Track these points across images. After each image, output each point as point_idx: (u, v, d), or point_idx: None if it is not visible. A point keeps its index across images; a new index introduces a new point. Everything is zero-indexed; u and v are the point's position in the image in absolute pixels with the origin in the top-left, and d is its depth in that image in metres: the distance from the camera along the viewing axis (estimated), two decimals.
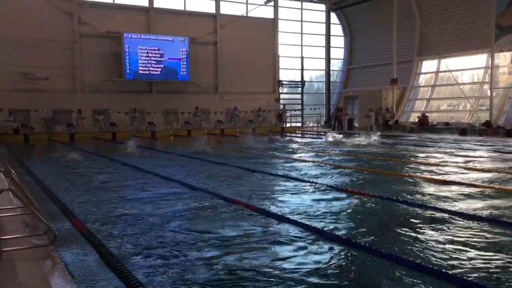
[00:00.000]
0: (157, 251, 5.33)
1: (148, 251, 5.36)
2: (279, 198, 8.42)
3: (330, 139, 21.82)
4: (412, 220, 6.64)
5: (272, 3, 32.52)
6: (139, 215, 7.09)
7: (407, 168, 12.08)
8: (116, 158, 14.77)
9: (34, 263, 4.62)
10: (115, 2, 27.72)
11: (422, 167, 12.15)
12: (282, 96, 34.25)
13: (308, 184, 9.64)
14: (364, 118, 29.86)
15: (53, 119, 25.40)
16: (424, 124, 26.78)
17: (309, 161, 13.80)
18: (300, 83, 34.74)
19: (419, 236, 5.83)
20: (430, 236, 5.84)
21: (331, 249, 5.34)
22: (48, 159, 15.27)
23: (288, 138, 24.45)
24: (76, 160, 14.50)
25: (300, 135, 27.66)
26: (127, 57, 27.16)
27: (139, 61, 27.58)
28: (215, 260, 4.98)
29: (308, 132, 29.83)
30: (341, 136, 22.88)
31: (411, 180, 10.11)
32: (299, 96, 35.16)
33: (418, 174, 10.86)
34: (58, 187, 9.57)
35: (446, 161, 13.29)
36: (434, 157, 14.54)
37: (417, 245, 5.49)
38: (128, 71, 27.29)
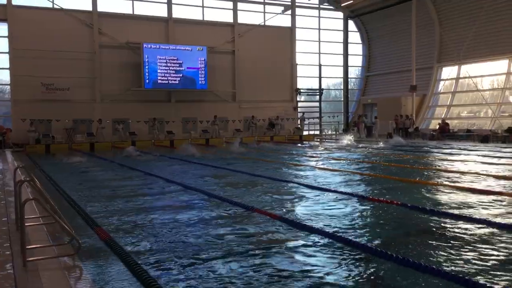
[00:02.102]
0: (181, 260, 5.31)
1: (171, 260, 5.34)
2: (298, 206, 8.38)
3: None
4: (438, 229, 6.53)
5: (289, 12, 32.60)
6: (164, 223, 7.11)
7: (429, 175, 11.90)
8: (143, 169, 14.87)
9: (58, 272, 4.66)
10: (135, 13, 28.11)
11: (444, 174, 11.95)
12: (300, 104, 34.17)
13: (329, 192, 9.56)
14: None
15: (73, 128, 25.74)
16: (445, 131, 26.42)
17: (326, 169, 13.70)
18: (318, 91, 34.63)
19: (446, 245, 5.72)
20: (459, 245, 5.72)
21: (356, 257, 5.27)
22: (69, 168, 15.48)
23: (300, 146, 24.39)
24: (95, 167, 14.64)
25: (307, 142, 27.52)
26: (146, 67, 27.43)
27: (158, 71, 27.83)
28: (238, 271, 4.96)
29: (327, 140, 29.65)
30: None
31: (434, 188, 9.95)
32: (317, 104, 35.04)
33: (439, 182, 10.68)
34: (81, 196, 9.66)
35: (472, 169, 13.03)
36: (457, 164, 14.30)
37: (444, 254, 5.38)
38: (147, 80, 27.56)
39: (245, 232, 6.54)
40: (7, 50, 24.92)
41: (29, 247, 5.11)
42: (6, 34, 24.86)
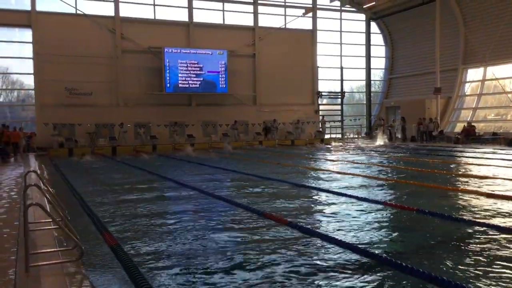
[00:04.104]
0: (185, 269, 5.22)
1: (176, 268, 5.25)
2: (314, 212, 8.21)
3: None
4: (457, 237, 6.27)
5: (310, 14, 32.38)
6: (171, 231, 7.04)
7: (453, 181, 11.56)
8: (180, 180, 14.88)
9: (60, 279, 4.60)
10: (156, 18, 28.35)
11: (467, 180, 11.60)
12: (321, 107, 33.88)
13: (345, 197, 9.36)
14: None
15: (96, 132, 26.05)
16: (470, 135, 25.74)
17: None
18: (339, 94, 34.26)
19: (461, 255, 5.47)
20: (475, 256, 5.46)
21: (371, 266, 5.09)
22: (89, 172, 15.65)
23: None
24: (118, 171, 14.70)
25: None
26: (167, 71, 27.62)
27: (179, 75, 27.98)
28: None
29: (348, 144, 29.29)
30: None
31: (456, 194, 9.64)
32: (339, 107, 34.66)
33: (461, 187, 10.34)
34: (95, 200, 9.69)
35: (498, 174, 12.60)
36: (479, 168, 13.87)
37: (456, 265, 5.15)
38: (168, 84, 27.73)
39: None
40: (31, 56, 25.43)
41: (34, 252, 5.09)
42: (31, 40, 25.39)
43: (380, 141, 28.80)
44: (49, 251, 5.37)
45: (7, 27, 25.61)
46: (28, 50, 25.66)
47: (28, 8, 25.20)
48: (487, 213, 7.64)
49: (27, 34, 25.79)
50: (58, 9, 26.09)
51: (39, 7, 25.44)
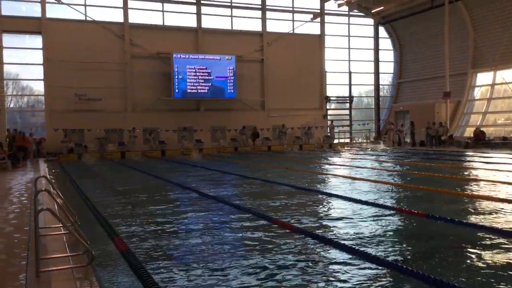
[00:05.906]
0: (196, 273, 5.21)
1: (187, 272, 5.25)
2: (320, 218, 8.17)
3: None
4: (465, 243, 6.21)
5: (318, 19, 32.40)
6: (183, 239, 7.04)
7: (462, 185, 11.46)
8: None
9: (70, 284, 4.62)
10: (165, 24, 28.52)
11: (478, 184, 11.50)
12: (330, 112, 33.83)
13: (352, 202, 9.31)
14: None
15: (105, 138, 26.17)
16: (480, 139, 25.54)
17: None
18: (348, 98, 34.19)
19: (470, 260, 5.41)
20: (484, 260, 5.40)
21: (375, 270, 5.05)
22: (99, 177, 15.70)
23: None
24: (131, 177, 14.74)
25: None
26: (176, 77, 27.75)
27: (188, 80, 28.11)
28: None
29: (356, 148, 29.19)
30: None
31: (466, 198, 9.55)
32: (347, 111, 34.58)
33: (472, 192, 10.25)
34: (105, 206, 9.71)
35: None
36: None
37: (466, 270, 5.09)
38: (177, 90, 27.86)
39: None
40: (41, 62, 25.67)
41: (44, 257, 5.12)
42: (41, 46, 25.65)
43: (389, 145, 28.73)
44: (59, 256, 5.39)
45: (18, 33, 25.91)
46: (38, 56, 25.93)
47: (39, 15, 25.52)
48: (498, 218, 7.56)
49: (37, 41, 26.09)
50: (68, 15, 26.38)
51: (49, 14, 25.75)
